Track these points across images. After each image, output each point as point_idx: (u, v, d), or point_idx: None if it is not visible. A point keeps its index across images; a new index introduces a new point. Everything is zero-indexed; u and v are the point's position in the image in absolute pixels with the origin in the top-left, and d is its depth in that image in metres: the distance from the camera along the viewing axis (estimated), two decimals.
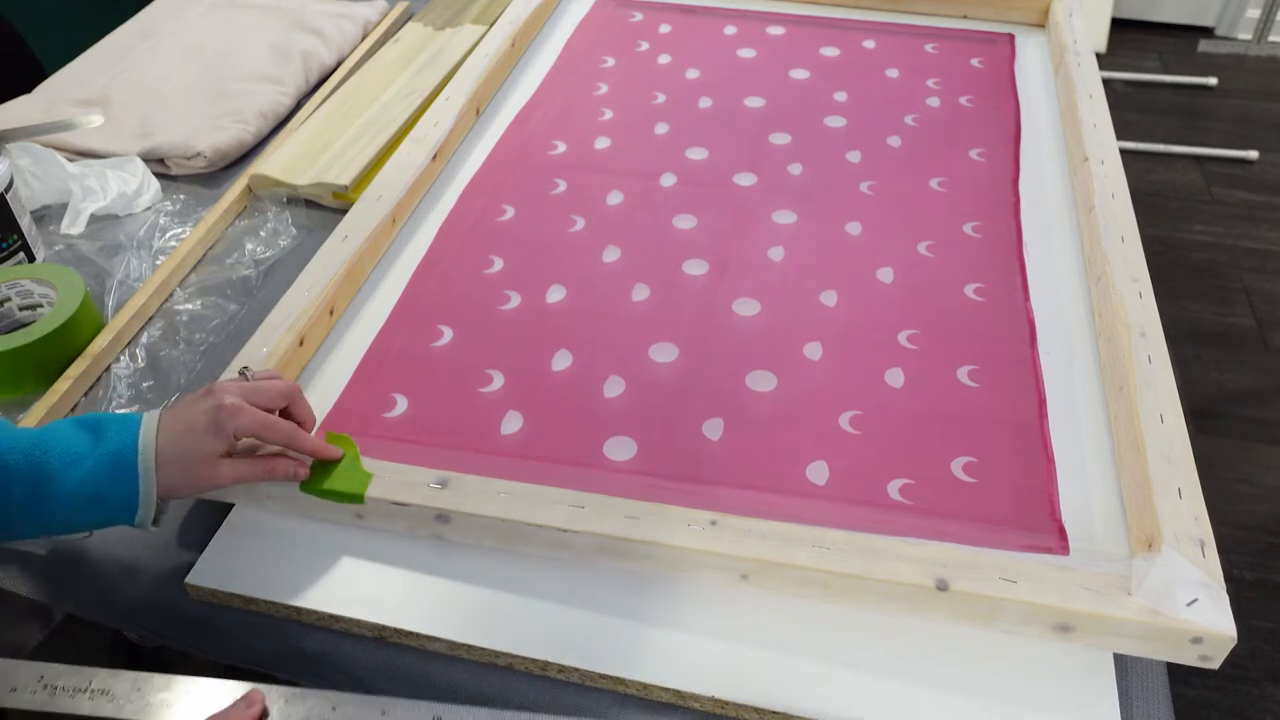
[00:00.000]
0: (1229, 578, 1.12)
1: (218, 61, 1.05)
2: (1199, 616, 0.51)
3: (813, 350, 0.72)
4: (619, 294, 0.77)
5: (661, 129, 0.96)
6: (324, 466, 0.60)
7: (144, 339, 0.76)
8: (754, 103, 1.00)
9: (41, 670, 0.50)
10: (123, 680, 0.50)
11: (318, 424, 0.66)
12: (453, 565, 0.59)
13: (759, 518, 0.57)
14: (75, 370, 0.71)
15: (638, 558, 0.57)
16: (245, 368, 0.62)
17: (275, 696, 0.49)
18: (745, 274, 0.78)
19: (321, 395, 0.69)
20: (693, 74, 1.05)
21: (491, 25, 1.09)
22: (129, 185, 0.87)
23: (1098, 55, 1.93)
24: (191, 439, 0.54)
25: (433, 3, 1.18)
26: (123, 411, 0.70)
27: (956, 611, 0.54)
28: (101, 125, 0.92)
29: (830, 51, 1.09)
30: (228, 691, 0.49)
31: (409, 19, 1.17)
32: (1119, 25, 2.55)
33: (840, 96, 1.01)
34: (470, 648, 0.55)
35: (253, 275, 0.82)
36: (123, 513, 0.54)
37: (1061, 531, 0.59)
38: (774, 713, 0.52)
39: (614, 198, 0.87)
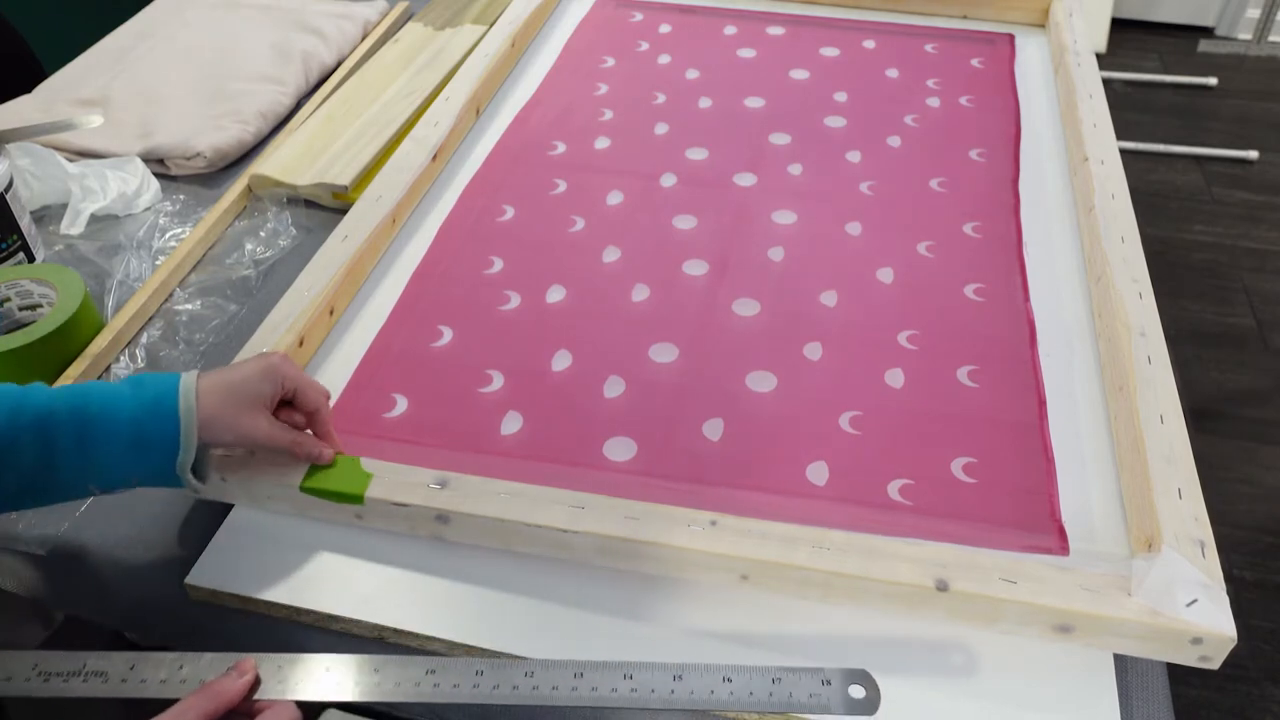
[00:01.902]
0: (1229, 578, 1.12)
1: (218, 61, 1.05)
2: (1199, 617, 0.51)
3: (813, 350, 0.72)
4: (619, 294, 0.77)
5: (661, 129, 0.96)
6: (324, 466, 0.60)
7: (144, 339, 0.76)
8: (754, 103, 1.00)
9: (35, 659, 0.49)
10: (115, 661, 0.49)
11: None
12: (453, 565, 0.59)
13: (759, 518, 0.57)
14: (75, 370, 0.71)
15: (638, 558, 0.57)
16: None
17: (268, 664, 0.49)
18: (745, 274, 0.78)
19: None
20: (693, 74, 1.05)
21: (491, 25, 1.09)
22: (129, 185, 0.87)
23: (1098, 55, 1.93)
24: (241, 384, 0.56)
25: (433, 3, 1.18)
26: None
27: (956, 612, 0.54)
28: (101, 125, 0.92)
29: (830, 51, 1.09)
30: (221, 664, 0.49)
31: (409, 19, 1.17)
32: (1119, 25, 2.55)
33: (840, 96, 1.01)
34: (470, 648, 0.55)
35: (252, 275, 0.82)
36: (166, 454, 0.54)
37: (1061, 532, 0.59)
38: (773, 713, 0.52)
39: (614, 198, 0.87)
